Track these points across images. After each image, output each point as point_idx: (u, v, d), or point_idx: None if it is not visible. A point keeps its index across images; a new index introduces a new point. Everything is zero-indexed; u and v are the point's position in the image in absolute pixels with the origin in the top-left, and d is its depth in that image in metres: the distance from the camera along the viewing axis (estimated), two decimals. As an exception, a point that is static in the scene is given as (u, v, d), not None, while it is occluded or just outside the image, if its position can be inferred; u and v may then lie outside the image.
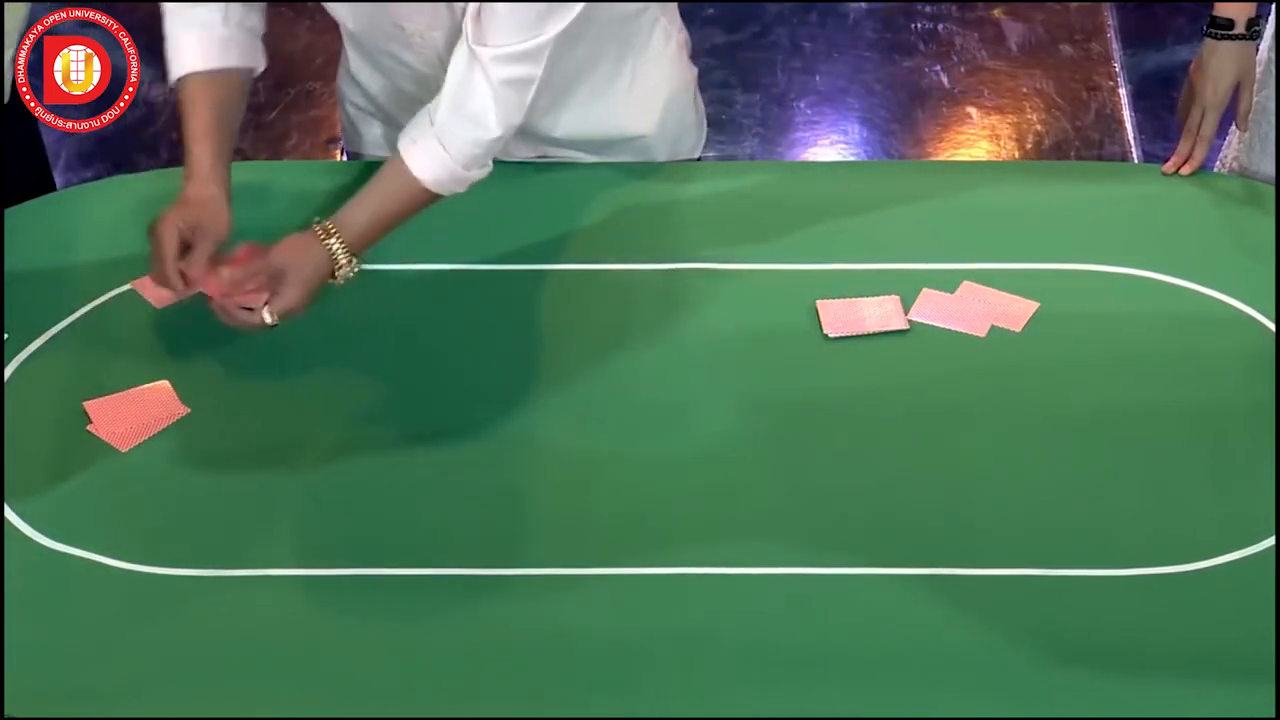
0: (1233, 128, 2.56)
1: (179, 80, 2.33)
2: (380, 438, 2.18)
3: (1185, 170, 2.51)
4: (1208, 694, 1.89)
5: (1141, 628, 1.95)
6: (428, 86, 2.35)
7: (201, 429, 2.18)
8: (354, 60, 2.50)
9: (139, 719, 1.89)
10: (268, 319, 2.20)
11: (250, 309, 2.19)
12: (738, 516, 2.08)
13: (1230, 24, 2.47)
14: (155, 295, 2.34)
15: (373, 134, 2.58)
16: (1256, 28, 2.47)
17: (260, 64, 2.38)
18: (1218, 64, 2.48)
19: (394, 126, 2.54)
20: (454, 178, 2.25)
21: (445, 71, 2.25)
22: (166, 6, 2.34)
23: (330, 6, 2.37)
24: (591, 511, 2.09)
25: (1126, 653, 1.93)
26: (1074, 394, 2.22)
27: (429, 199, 2.27)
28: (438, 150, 2.23)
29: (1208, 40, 2.49)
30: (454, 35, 2.28)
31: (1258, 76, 2.50)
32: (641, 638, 1.95)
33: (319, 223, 2.23)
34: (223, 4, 2.33)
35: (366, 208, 2.26)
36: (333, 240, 2.22)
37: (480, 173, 2.27)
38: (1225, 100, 2.50)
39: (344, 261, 2.23)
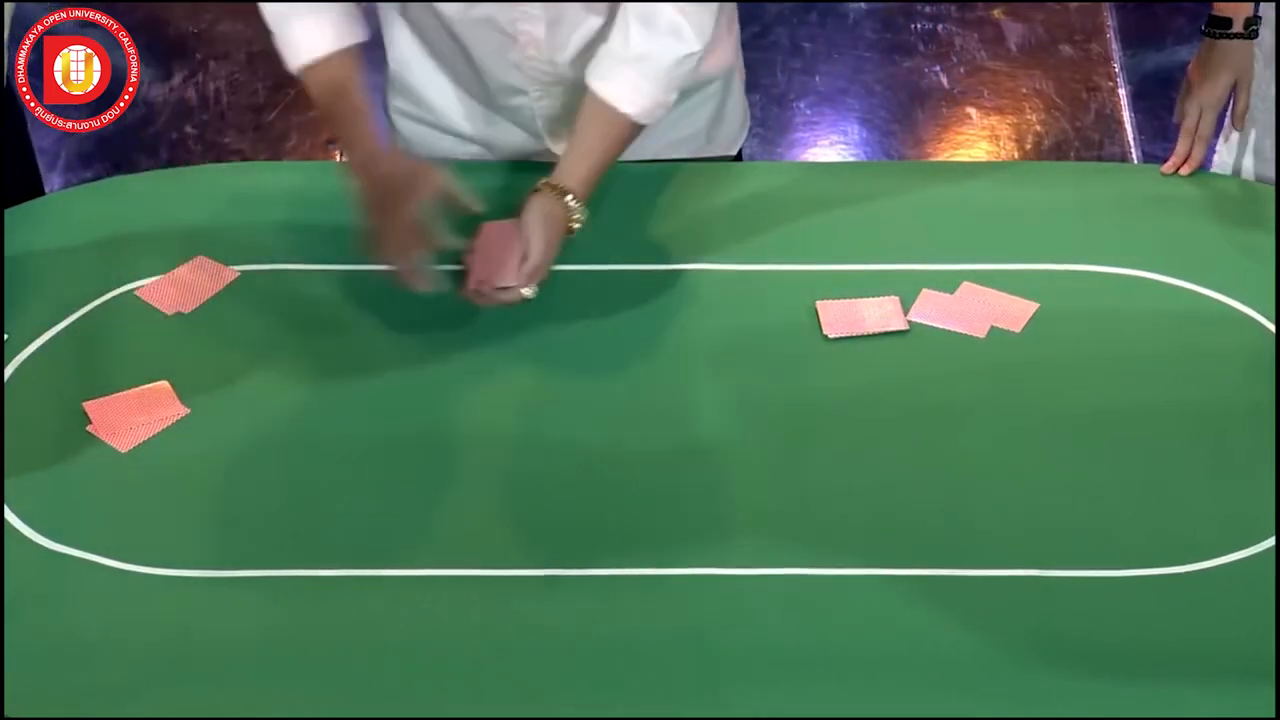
0: (1228, 124, 2.56)
1: (312, 64, 2.33)
2: (380, 438, 2.18)
3: (1184, 170, 2.51)
4: (1208, 694, 1.89)
5: (1141, 628, 1.95)
6: (506, 56, 2.39)
7: (201, 429, 2.18)
8: (403, 61, 2.49)
9: (139, 719, 1.89)
10: (528, 293, 2.27)
11: (506, 287, 2.26)
12: (738, 516, 2.08)
13: (1228, 23, 2.47)
14: (164, 301, 2.34)
15: (423, 140, 2.58)
16: (1254, 26, 2.47)
17: (367, 35, 2.40)
18: (1216, 63, 2.48)
19: (441, 130, 2.53)
20: (657, 104, 2.31)
21: (542, 26, 2.33)
22: (272, 9, 2.33)
23: None
24: (591, 511, 2.09)
25: (1126, 653, 1.93)
26: (1074, 394, 2.22)
27: (636, 131, 2.33)
28: (638, 80, 2.28)
29: (1206, 39, 2.49)
30: None
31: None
32: (641, 638, 1.95)
33: (545, 183, 2.30)
34: None
35: (582, 157, 2.32)
36: (566, 197, 2.29)
37: (675, 95, 2.33)
38: (1224, 99, 2.50)
39: (579, 214, 2.31)
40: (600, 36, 2.34)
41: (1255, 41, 2.48)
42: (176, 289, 2.35)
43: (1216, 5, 2.49)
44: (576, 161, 2.32)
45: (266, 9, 2.33)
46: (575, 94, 2.39)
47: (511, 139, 2.50)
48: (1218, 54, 2.49)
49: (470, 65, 2.43)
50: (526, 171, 2.54)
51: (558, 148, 2.48)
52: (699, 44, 2.29)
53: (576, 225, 2.31)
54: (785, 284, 2.37)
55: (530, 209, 2.29)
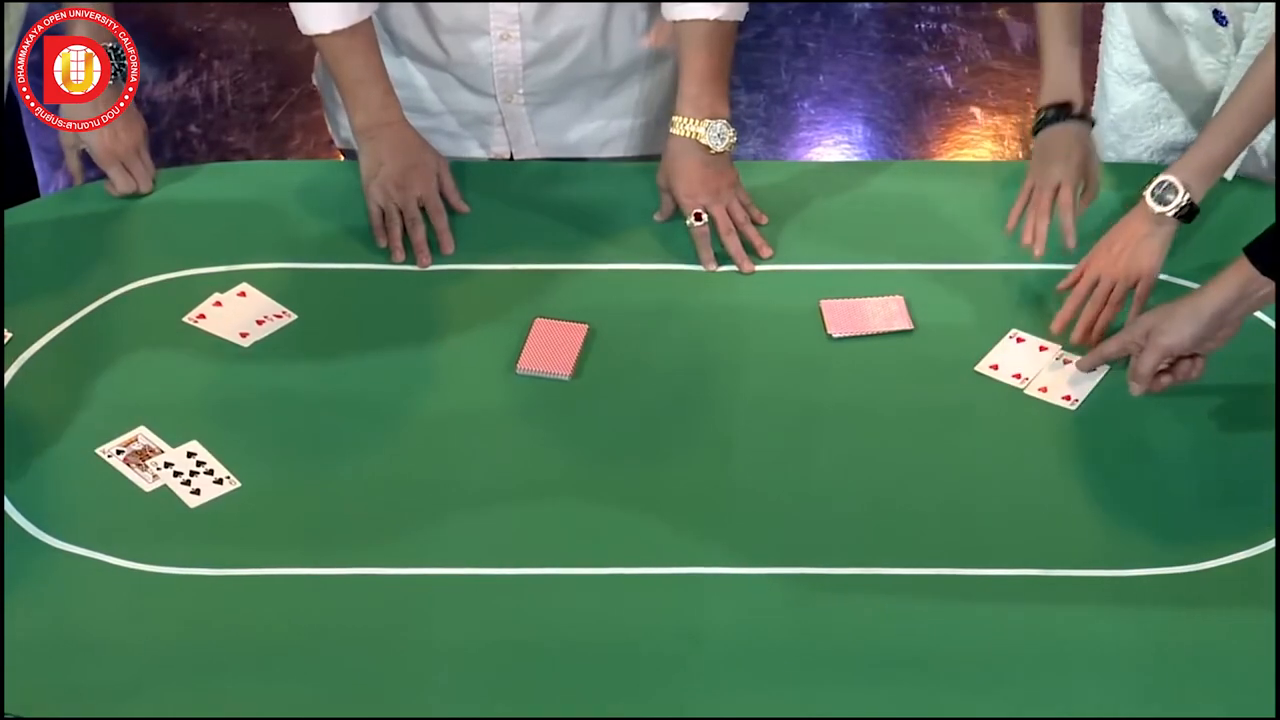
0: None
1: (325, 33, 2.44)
2: (380, 437, 2.18)
3: (1037, 251, 2.34)
4: (1208, 694, 1.89)
5: (1142, 628, 1.95)
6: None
7: (201, 428, 2.18)
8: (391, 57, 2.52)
9: (139, 719, 1.89)
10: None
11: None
12: (738, 516, 2.08)
13: (1069, 105, 2.37)
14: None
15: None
16: (1089, 114, 2.39)
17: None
18: (1065, 142, 2.36)
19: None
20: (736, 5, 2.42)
21: None
22: None
23: None
24: (591, 511, 2.09)
25: (1127, 653, 1.93)
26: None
27: (730, 33, 2.43)
28: None
29: (1050, 129, 2.37)
30: None
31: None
32: (641, 638, 1.95)
33: (674, 119, 2.40)
34: None
35: (692, 78, 2.41)
36: (692, 124, 2.39)
37: None
38: (1079, 171, 2.37)
39: (718, 128, 2.41)
40: None
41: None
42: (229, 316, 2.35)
43: (1047, 91, 2.37)
44: (689, 84, 2.40)
45: None
46: (536, 41, 2.44)
47: (468, 105, 2.53)
48: (1068, 136, 2.36)
49: (426, 18, 2.45)
50: (522, 173, 2.55)
51: (510, 108, 2.52)
52: None
53: (723, 142, 2.39)
54: (789, 283, 2.37)
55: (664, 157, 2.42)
